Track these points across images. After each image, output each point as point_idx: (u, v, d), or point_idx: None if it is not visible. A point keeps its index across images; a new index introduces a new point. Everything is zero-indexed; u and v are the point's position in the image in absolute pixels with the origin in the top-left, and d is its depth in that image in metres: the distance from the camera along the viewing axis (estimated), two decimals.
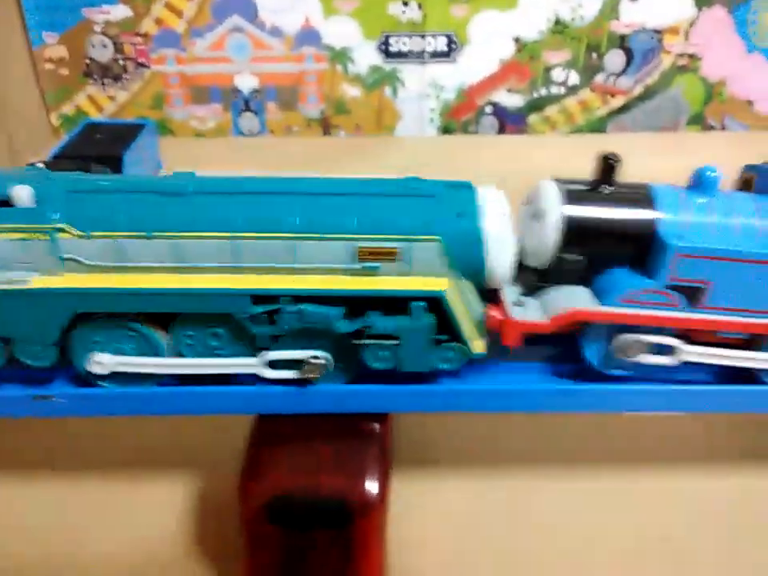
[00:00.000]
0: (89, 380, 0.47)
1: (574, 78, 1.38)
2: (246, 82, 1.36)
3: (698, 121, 1.42)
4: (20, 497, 0.57)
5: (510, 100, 1.41)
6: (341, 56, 1.34)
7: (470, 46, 1.35)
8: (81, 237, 0.42)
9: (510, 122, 1.43)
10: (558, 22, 1.33)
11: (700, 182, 0.48)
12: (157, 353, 0.45)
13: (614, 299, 0.46)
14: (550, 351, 0.51)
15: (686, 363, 0.47)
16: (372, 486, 0.44)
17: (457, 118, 1.42)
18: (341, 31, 1.31)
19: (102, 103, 1.38)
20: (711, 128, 1.43)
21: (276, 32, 1.32)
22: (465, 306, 0.45)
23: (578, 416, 0.64)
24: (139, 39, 1.33)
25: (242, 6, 1.29)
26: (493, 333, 0.47)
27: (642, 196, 0.47)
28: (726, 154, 1.48)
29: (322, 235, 0.43)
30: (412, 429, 0.66)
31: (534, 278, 0.49)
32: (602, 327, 0.47)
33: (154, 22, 1.31)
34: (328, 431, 0.46)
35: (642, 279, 0.46)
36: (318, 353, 0.44)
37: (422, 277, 0.44)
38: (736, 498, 0.60)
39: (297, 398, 0.46)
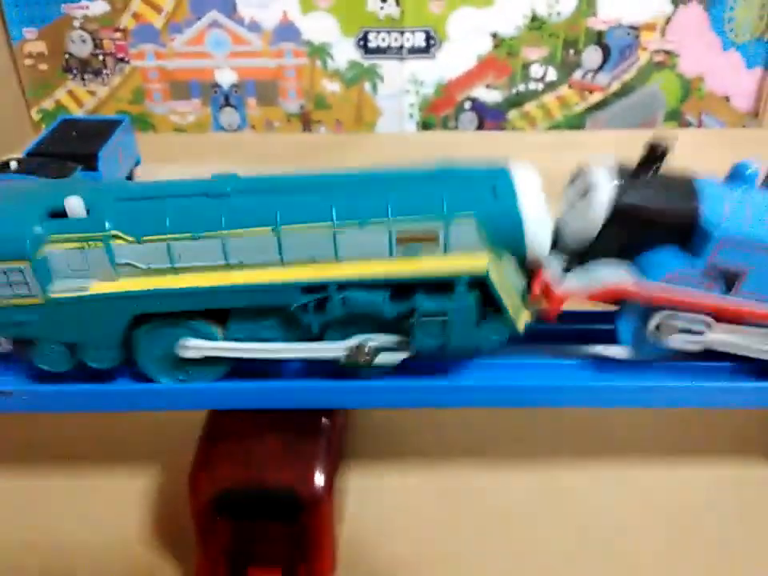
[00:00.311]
0: (150, 377, 0.49)
1: (551, 74, 1.39)
2: (226, 77, 1.37)
3: (676, 117, 1.43)
4: None
5: (489, 96, 1.42)
6: (320, 51, 1.35)
7: (449, 42, 1.35)
8: (133, 242, 0.44)
9: (489, 117, 1.44)
10: (534, 18, 1.33)
11: (738, 176, 0.49)
12: None
13: (656, 279, 0.47)
14: (543, 349, 0.53)
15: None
16: (319, 479, 0.45)
17: (436, 114, 1.43)
18: (319, 27, 1.32)
19: (82, 98, 1.39)
20: (689, 124, 1.44)
21: (254, 27, 1.32)
22: (507, 282, 0.46)
23: (538, 410, 0.65)
24: (118, 34, 1.33)
25: (220, 1, 1.30)
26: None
27: (685, 183, 0.49)
28: (704, 150, 1.50)
29: (362, 222, 0.44)
30: (375, 422, 0.67)
31: (573, 258, 0.49)
32: (637, 306, 0.49)
33: (133, 17, 1.32)
34: (277, 425, 0.47)
35: (684, 261, 0.48)
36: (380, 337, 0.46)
37: (462, 256, 0.45)
38: (691, 489, 0.61)
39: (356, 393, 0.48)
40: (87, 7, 1.31)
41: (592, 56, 1.38)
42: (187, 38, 1.33)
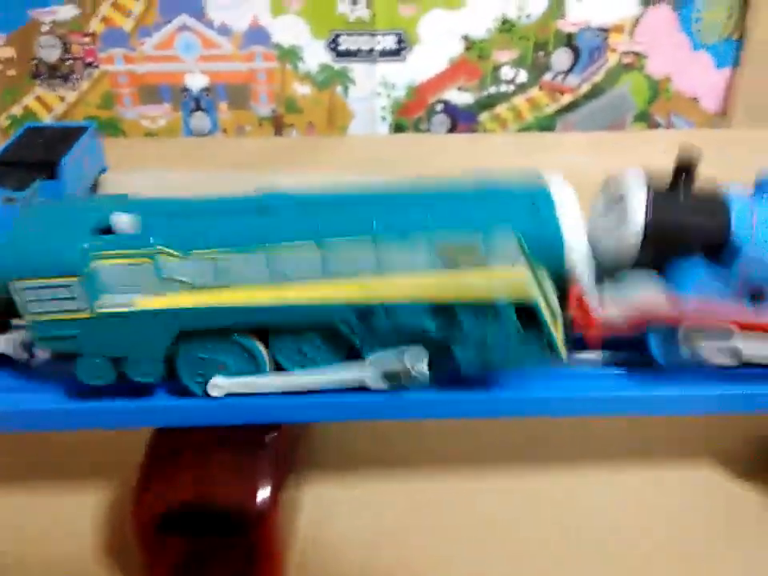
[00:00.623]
0: (194, 392, 0.49)
1: (522, 77, 1.40)
2: (196, 81, 1.36)
3: (645, 118, 1.44)
4: None
5: (461, 98, 1.42)
6: (290, 55, 1.35)
7: (420, 45, 1.36)
8: (181, 258, 0.44)
9: (461, 119, 1.45)
10: (505, 20, 1.34)
11: (764, 188, 0.50)
12: (257, 363, 0.48)
13: (688, 294, 0.47)
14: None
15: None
16: (265, 494, 0.45)
17: (408, 116, 1.43)
18: (289, 30, 1.32)
19: (51, 104, 1.38)
20: (658, 125, 1.45)
21: (224, 30, 1.32)
22: (546, 301, 0.46)
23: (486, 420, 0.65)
24: (87, 39, 1.32)
25: (190, 5, 1.29)
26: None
27: (715, 198, 0.49)
28: (673, 151, 1.51)
29: (406, 239, 0.45)
30: (329, 435, 0.68)
31: (607, 275, 0.49)
32: (668, 325, 0.48)
33: (102, 21, 1.31)
34: (222, 442, 0.47)
35: (715, 278, 0.48)
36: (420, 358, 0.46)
37: (506, 273, 0.45)
38: (671, 491, 0.62)
39: (391, 407, 0.49)
40: (56, 12, 1.30)
41: (562, 58, 1.39)
42: (157, 42, 1.32)
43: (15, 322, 0.50)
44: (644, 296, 0.47)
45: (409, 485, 0.62)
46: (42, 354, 0.51)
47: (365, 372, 0.47)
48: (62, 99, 1.37)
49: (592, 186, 1.20)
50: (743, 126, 1.43)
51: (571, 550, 0.57)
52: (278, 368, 0.49)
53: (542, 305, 0.44)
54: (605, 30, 1.35)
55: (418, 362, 0.47)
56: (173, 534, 0.47)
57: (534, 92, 1.41)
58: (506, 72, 1.39)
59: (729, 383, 0.52)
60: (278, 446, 0.49)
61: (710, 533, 0.58)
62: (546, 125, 1.45)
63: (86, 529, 0.57)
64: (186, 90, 1.37)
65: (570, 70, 1.39)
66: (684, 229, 0.48)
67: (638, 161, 1.37)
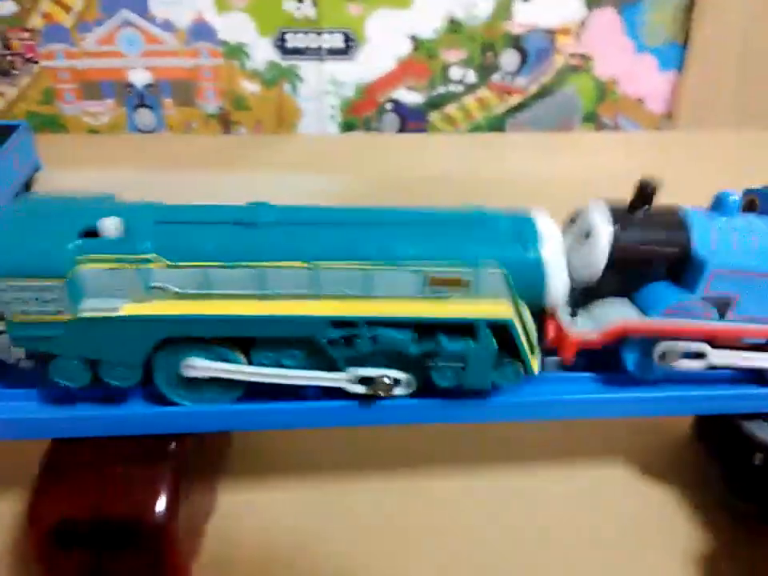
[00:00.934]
0: (168, 398, 0.49)
1: (471, 77, 1.40)
2: (140, 77, 1.34)
3: (592, 119, 1.46)
4: None
5: (410, 97, 1.42)
6: (237, 51, 1.33)
7: (368, 44, 1.35)
8: (168, 266, 0.44)
9: (411, 119, 1.44)
10: (452, 21, 1.34)
11: (721, 204, 0.52)
12: None
13: (660, 311, 0.50)
14: None
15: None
16: (162, 505, 0.45)
17: (358, 115, 1.43)
18: (235, 26, 1.30)
19: None
20: (605, 126, 1.47)
21: (168, 26, 1.30)
22: (524, 328, 0.48)
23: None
24: (27, 34, 1.29)
25: (132, 0, 1.27)
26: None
27: (675, 217, 0.51)
28: (620, 152, 1.53)
29: (396, 264, 0.45)
30: (246, 442, 0.67)
31: (578, 294, 0.52)
32: (640, 338, 0.51)
33: (42, 16, 1.28)
34: (120, 453, 0.46)
35: (681, 293, 0.50)
36: (398, 373, 0.48)
37: (487, 302, 0.47)
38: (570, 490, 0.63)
39: (365, 411, 0.50)
40: None
41: (510, 59, 1.39)
42: (98, 38, 1.30)
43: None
44: (615, 314, 0.50)
45: (330, 486, 0.62)
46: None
47: (341, 375, 0.48)
48: (2, 95, 1.34)
49: (541, 185, 1.23)
50: (688, 127, 1.46)
51: (502, 545, 0.57)
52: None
53: (520, 331, 0.46)
54: (551, 32, 1.36)
55: (390, 381, 0.48)
56: (71, 548, 0.46)
57: (483, 92, 1.42)
58: (455, 72, 1.40)
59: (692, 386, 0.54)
60: (181, 455, 0.48)
61: (623, 528, 0.59)
62: (496, 125, 1.46)
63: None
64: (129, 85, 1.34)
65: (518, 71, 1.40)
66: (649, 254, 0.50)
67: (585, 162, 1.40)
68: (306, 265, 0.45)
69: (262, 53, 1.33)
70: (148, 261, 0.43)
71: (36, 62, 1.31)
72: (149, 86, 1.35)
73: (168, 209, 0.47)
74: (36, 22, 1.28)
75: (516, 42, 1.37)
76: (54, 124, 1.35)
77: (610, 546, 0.58)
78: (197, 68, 1.34)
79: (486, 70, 1.39)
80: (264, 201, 0.48)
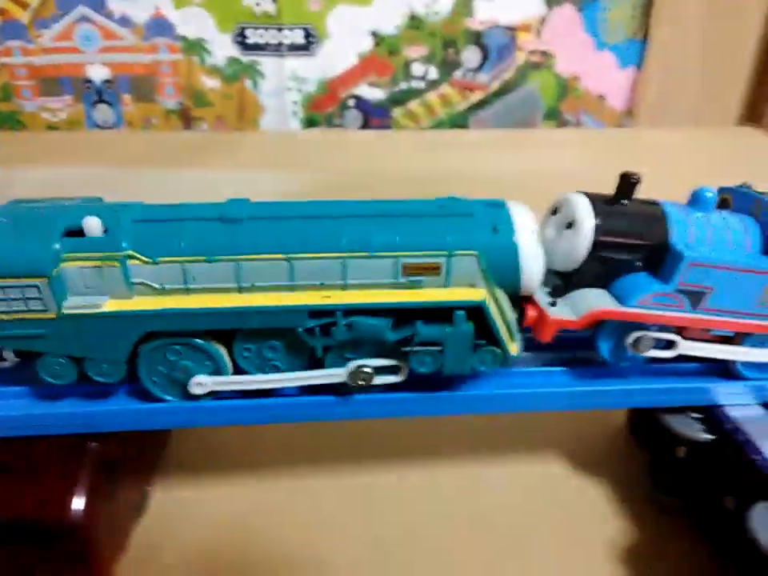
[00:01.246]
0: (153, 394, 0.49)
1: (433, 73, 1.41)
2: (98, 73, 1.33)
3: (554, 116, 1.47)
4: None
5: (372, 93, 1.42)
6: (196, 47, 1.33)
7: (329, 40, 1.35)
8: (149, 263, 0.45)
9: (373, 115, 1.45)
10: (413, 17, 1.34)
11: (698, 201, 0.53)
12: (219, 367, 0.49)
13: (635, 301, 0.51)
14: None
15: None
16: (78, 504, 0.45)
17: (320, 111, 1.43)
18: (194, 22, 1.30)
19: None
20: (567, 123, 1.48)
21: (125, 22, 1.29)
22: (500, 313, 0.48)
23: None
24: None
25: None
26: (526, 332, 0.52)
27: (654, 210, 0.52)
28: (582, 149, 1.54)
29: (370, 253, 0.46)
30: (184, 440, 0.67)
31: (559, 281, 0.53)
32: (615, 325, 0.52)
33: None
34: (40, 453, 0.47)
35: (656, 283, 0.51)
36: (378, 362, 0.49)
37: (462, 288, 0.47)
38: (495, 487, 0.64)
39: (340, 406, 0.51)
40: None
41: (471, 55, 1.40)
42: (55, 34, 1.29)
43: None
44: (593, 301, 0.51)
45: (267, 483, 0.62)
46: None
47: (339, 371, 0.49)
48: None
49: (504, 182, 1.23)
50: (648, 124, 1.47)
51: (434, 536, 0.58)
52: (239, 372, 0.50)
53: (494, 314, 0.47)
54: (512, 29, 1.37)
55: (371, 370, 0.49)
56: None
57: (445, 88, 1.42)
58: (417, 68, 1.40)
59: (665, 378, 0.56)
60: (101, 454, 0.48)
61: (552, 521, 0.60)
62: (459, 121, 1.46)
63: None
64: (87, 81, 1.33)
65: (480, 68, 1.40)
66: (628, 245, 0.52)
67: (547, 159, 1.41)
68: (282, 257, 0.45)
69: (222, 48, 1.33)
70: (130, 258, 0.44)
71: None
72: (107, 81, 1.34)
73: (147, 208, 0.48)
74: None
75: (477, 39, 1.37)
76: (12, 120, 1.33)
77: (537, 538, 0.58)
78: (155, 63, 1.33)
79: (447, 67, 1.40)
80: (241, 198, 0.49)
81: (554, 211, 0.53)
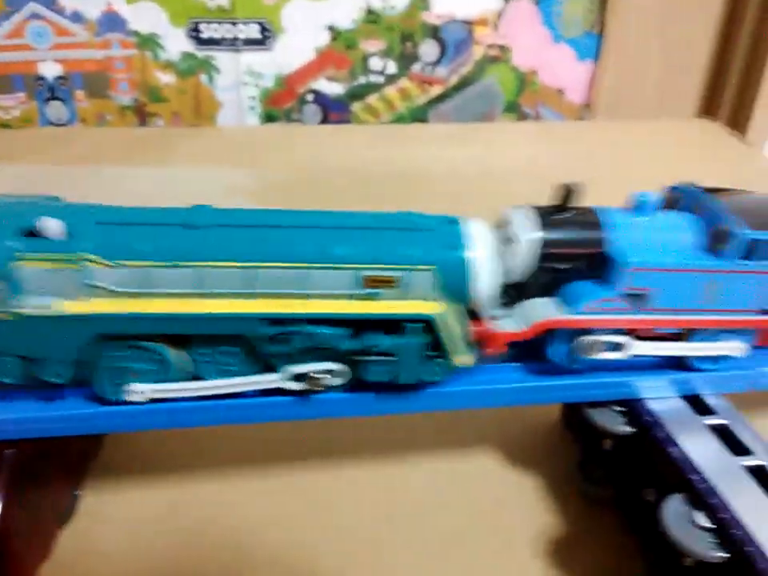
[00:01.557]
0: (103, 396, 0.49)
1: (391, 67, 1.40)
2: (50, 70, 1.31)
3: (514, 109, 1.47)
4: None
5: (331, 88, 1.41)
6: (149, 42, 1.31)
7: (285, 34, 1.34)
8: (107, 266, 0.45)
9: (332, 109, 1.44)
10: (370, 11, 1.33)
11: (638, 205, 0.54)
12: (168, 371, 0.49)
13: (579, 308, 0.53)
14: None
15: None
16: None
17: (278, 107, 1.42)
18: (146, 17, 1.28)
19: None
20: (526, 116, 1.48)
21: (77, 18, 1.27)
22: (453, 326, 0.50)
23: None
24: None
25: None
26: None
27: (593, 218, 0.54)
28: (541, 143, 1.54)
29: (330, 265, 0.47)
30: (121, 443, 0.67)
31: (512, 291, 0.54)
32: (565, 331, 0.54)
33: None
34: None
35: (600, 290, 0.53)
36: (334, 366, 0.50)
37: (417, 301, 0.49)
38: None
39: (301, 406, 0.52)
40: None
41: (429, 49, 1.39)
42: (6, 32, 1.27)
43: None
44: (540, 311, 0.53)
45: (200, 487, 0.62)
46: None
47: (276, 376, 0.50)
48: None
49: (464, 176, 1.23)
50: (606, 117, 1.47)
51: (366, 532, 0.59)
52: (196, 376, 0.50)
53: (444, 328, 0.49)
54: (469, 23, 1.36)
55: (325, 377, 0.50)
56: None
57: (404, 83, 1.42)
58: (375, 62, 1.39)
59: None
60: (18, 461, 0.48)
61: (483, 515, 0.61)
62: (419, 115, 1.46)
63: None
64: (40, 78, 1.31)
65: (438, 62, 1.40)
66: (570, 255, 0.54)
67: (507, 152, 1.41)
68: (244, 265, 0.46)
69: (176, 43, 1.31)
70: (87, 260, 0.44)
71: None
72: (60, 78, 1.32)
73: (109, 210, 0.48)
74: None
75: (434, 33, 1.37)
76: None
77: (467, 533, 0.59)
78: (108, 59, 1.31)
79: (405, 61, 1.39)
80: (200, 203, 0.50)
81: (499, 226, 0.54)
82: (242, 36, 1.32)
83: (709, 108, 1.47)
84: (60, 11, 1.26)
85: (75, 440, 0.58)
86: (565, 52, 1.41)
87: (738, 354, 0.57)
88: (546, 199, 0.55)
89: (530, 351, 0.56)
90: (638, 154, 1.40)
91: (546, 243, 0.52)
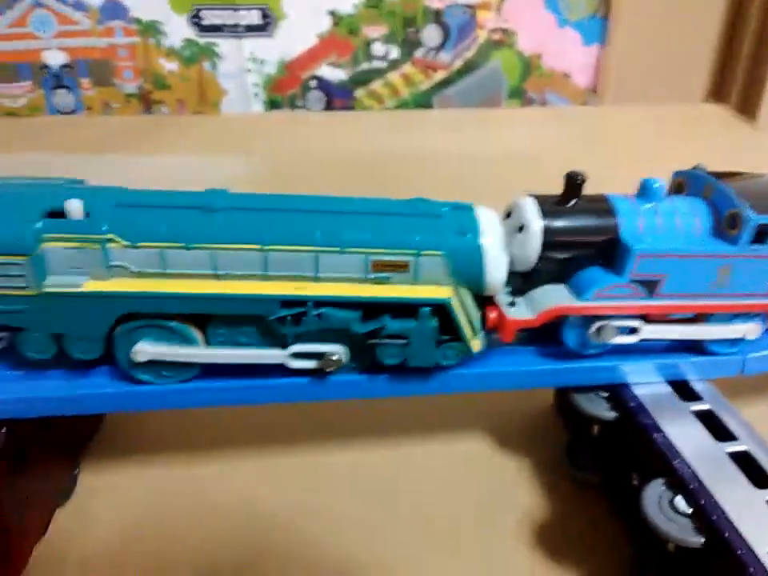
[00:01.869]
0: (130, 374, 0.51)
1: (394, 53, 1.39)
2: (55, 58, 1.32)
3: (519, 95, 1.45)
4: None
5: (334, 74, 1.41)
6: (151, 29, 1.32)
7: (287, 20, 1.34)
8: (128, 247, 0.46)
9: (336, 96, 1.44)
10: None
11: (646, 191, 0.54)
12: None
13: (590, 295, 0.53)
14: None
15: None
16: None
17: (282, 93, 1.42)
18: (147, 4, 1.29)
19: None
20: (532, 101, 1.47)
21: (79, 6, 1.28)
22: (464, 311, 0.50)
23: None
24: None
25: None
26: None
27: (602, 206, 0.54)
28: (547, 128, 1.52)
29: (342, 249, 0.48)
30: (124, 423, 0.68)
31: (519, 280, 0.55)
32: (579, 317, 0.54)
33: None
34: None
35: (610, 276, 0.53)
36: (337, 348, 0.51)
37: (428, 285, 0.50)
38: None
39: (315, 387, 0.53)
40: None
41: (432, 34, 1.38)
42: (10, 21, 1.28)
43: None
44: (551, 298, 0.53)
45: (196, 470, 0.63)
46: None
47: (284, 351, 0.51)
48: None
49: (469, 161, 1.22)
50: (613, 101, 1.46)
51: (357, 514, 0.59)
52: None
53: (459, 312, 0.50)
54: (471, 7, 1.35)
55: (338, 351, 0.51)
56: None
57: (407, 68, 1.41)
58: (378, 48, 1.38)
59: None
60: (14, 439, 0.49)
61: (472, 500, 0.61)
62: (423, 101, 1.45)
63: None
64: (45, 67, 1.33)
65: (442, 47, 1.39)
66: (579, 243, 0.54)
67: (513, 137, 1.40)
68: (258, 248, 0.47)
69: (178, 30, 1.32)
70: (110, 241, 0.46)
71: None
72: (65, 66, 1.33)
73: (129, 193, 0.50)
74: None
75: (437, 17, 1.36)
76: None
77: (455, 516, 0.59)
78: (112, 47, 1.32)
79: (408, 46, 1.38)
80: (218, 188, 0.51)
81: (508, 215, 0.54)
82: (243, 22, 1.32)
83: (717, 92, 1.45)
84: None
85: (74, 419, 0.59)
86: (571, 36, 1.39)
87: (754, 335, 0.57)
88: (554, 185, 0.54)
89: (543, 335, 0.56)
90: (646, 138, 1.39)
91: (557, 231, 0.52)
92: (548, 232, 0.52)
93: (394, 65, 1.40)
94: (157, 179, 0.52)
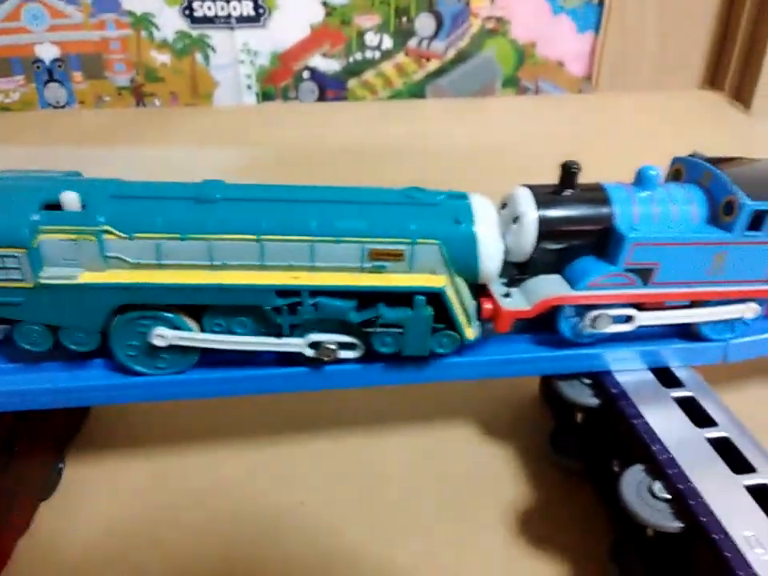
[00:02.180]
0: (125, 366, 0.52)
1: (387, 43, 1.38)
2: (47, 52, 1.32)
3: (513, 84, 1.45)
4: None
5: (327, 65, 1.40)
6: (143, 22, 1.31)
7: (279, 11, 1.33)
8: (124, 238, 0.47)
9: (329, 87, 1.43)
10: None
11: (642, 179, 0.54)
12: None
13: (585, 284, 0.53)
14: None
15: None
16: None
17: (275, 84, 1.41)
18: None
19: None
20: (526, 90, 1.46)
21: None
22: (459, 299, 0.51)
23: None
24: None
25: None
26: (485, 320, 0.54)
27: (598, 195, 0.54)
28: (542, 117, 1.52)
29: (338, 238, 0.48)
30: (109, 416, 0.68)
31: (514, 270, 0.55)
32: (574, 307, 0.55)
33: None
34: None
35: (605, 266, 0.53)
36: (353, 339, 0.52)
37: (424, 274, 0.50)
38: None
39: (310, 376, 0.53)
40: None
41: (425, 23, 1.37)
42: (3, 15, 1.28)
43: None
44: (546, 289, 0.54)
45: (184, 460, 0.63)
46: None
47: (298, 340, 0.52)
48: None
49: (464, 151, 1.22)
50: (608, 89, 1.45)
51: (340, 502, 0.60)
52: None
53: (453, 301, 0.50)
54: None
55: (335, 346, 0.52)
56: None
57: (401, 58, 1.40)
58: (371, 38, 1.38)
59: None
60: None
61: (456, 487, 0.61)
62: (416, 91, 1.44)
63: None
64: (37, 61, 1.32)
65: (435, 36, 1.38)
66: (574, 233, 0.54)
67: (507, 127, 1.39)
68: (253, 238, 0.47)
69: (170, 22, 1.32)
70: (106, 233, 0.46)
71: None
72: (57, 60, 1.33)
73: (125, 184, 0.50)
74: None
75: (430, 6, 1.35)
76: None
77: (439, 503, 0.60)
78: (104, 40, 1.32)
79: (401, 36, 1.38)
80: (217, 179, 0.51)
81: (503, 206, 0.54)
82: (235, 13, 1.32)
83: (712, 79, 1.44)
84: None
85: (59, 413, 0.59)
86: (565, 23, 1.38)
87: (753, 315, 0.57)
88: (548, 173, 0.54)
89: (539, 324, 0.56)
90: (641, 126, 1.38)
91: (553, 221, 0.52)
92: (543, 222, 0.52)
93: (387, 55, 1.39)
94: (150, 172, 0.52)
